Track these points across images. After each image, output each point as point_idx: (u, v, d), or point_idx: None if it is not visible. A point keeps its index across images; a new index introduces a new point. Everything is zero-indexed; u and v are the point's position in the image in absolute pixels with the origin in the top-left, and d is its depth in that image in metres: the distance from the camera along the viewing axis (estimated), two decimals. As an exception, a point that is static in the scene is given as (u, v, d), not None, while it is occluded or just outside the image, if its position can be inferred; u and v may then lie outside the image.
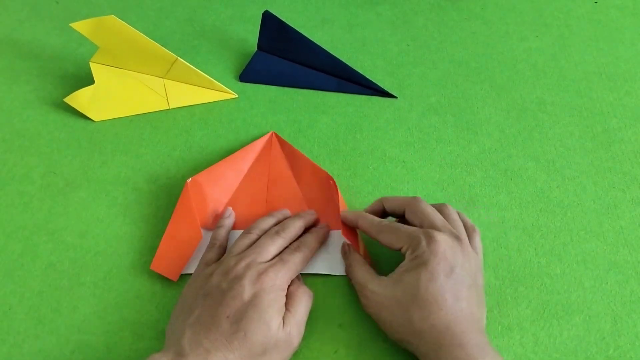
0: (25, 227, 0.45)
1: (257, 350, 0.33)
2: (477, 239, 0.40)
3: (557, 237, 0.44)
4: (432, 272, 0.35)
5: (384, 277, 0.37)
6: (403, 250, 0.37)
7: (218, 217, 0.45)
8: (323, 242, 0.43)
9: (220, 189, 0.46)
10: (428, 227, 0.38)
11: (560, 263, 0.43)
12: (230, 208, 0.45)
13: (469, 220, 0.41)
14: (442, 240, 0.36)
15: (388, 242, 0.38)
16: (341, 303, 0.41)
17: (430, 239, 0.36)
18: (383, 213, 0.43)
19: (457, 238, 0.37)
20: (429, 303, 0.34)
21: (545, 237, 0.44)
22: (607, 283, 0.42)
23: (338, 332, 0.39)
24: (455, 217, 0.40)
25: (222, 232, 0.43)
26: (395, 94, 0.55)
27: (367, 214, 0.41)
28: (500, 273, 0.42)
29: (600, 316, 0.40)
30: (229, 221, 0.44)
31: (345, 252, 0.41)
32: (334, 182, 0.45)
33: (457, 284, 0.35)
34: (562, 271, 0.42)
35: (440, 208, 0.40)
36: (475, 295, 0.36)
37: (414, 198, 0.40)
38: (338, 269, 0.42)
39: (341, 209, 0.43)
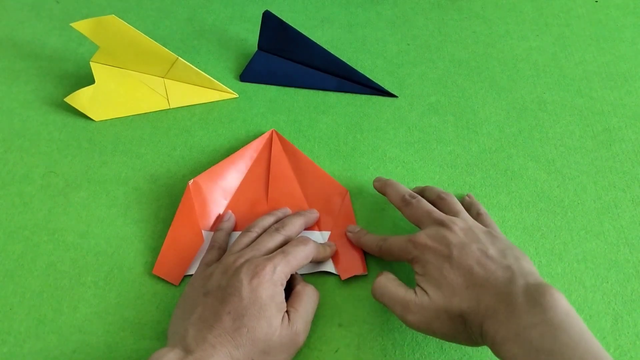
0: (26, 227, 0.45)
1: (261, 346, 0.34)
2: (485, 219, 0.41)
3: (558, 236, 0.44)
4: (437, 265, 0.35)
5: (415, 290, 0.36)
6: (406, 261, 0.38)
7: (219, 219, 0.45)
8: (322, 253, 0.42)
9: (221, 189, 0.46)
10: (420, 225, 0.39)
11: (561, 262, 0.43)
12: (230, 211, 0.45)
13: (476, 206, 0.43)
14: (424, 237, 0.37)
15: (391, 260, 0.41)
16: (341, 303, 0.41)
17: (414, 243, 0.37)
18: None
19: (439, 224, 0.38)
20: (453, 287, 0.34)
21: (546, 236, 0.44)
22: (607, 282, 0.42)
23: (338, 332, 0.39)
24: (452, 206, 0.41)
25: (221, 235, 0.43)
26: (395, 94, 0.55)
27: (367, 235, 0.42)
28: (501, 272, 0.42)
29: (601, 315, 0.40)
30: (228, 224, 0.44)
31: (379, 277, 0.39)
32: (348, 197, 0.46)
33: (467, 259, 0.34)
34: (563, 270, 0.42)
35: (441, 198, 0.42)
36: (502, 251, 0.35)
37: (405, 204, 0.41)
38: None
39: (351, 223, 0.44)
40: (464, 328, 0.34)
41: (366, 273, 0.42)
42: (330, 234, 0.44)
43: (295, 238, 0.40)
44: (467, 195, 0.45)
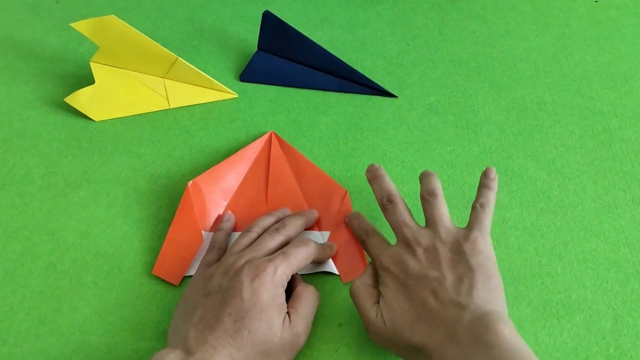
0: (26, 227, 0.45)
1: (262, 348, 0.34)
2: (476, 217, 0.38)
3: (558, 236, 0.44)
4: (394, 291, 0.35)
5: (378, 307, 0.36)
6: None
7: (219, 220, 0.45)
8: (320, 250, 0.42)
9: (220, 190, 0.46)
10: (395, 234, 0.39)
11: (561, 262, 0.43)
12: (230, 212, 0.45)
13: (482, 192, 0.39)
14: (388, 259, 0.37)
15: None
16: (341, 303, 0.41)
17: (380, 264, 0.38)
18: None
19: (405, 244, 0.37)
20: (405, 319, 0.34)
21: (546, 236, 0.44)
22: (607, 282, 0.42)
23: (338, 332, 0.39)
24: (432, 211, 0.38)
25: (221, 235, 0.43)
26: (395, 94, 0.55)
27: (358, 219, 0.42)
28: (501, 272, 0.42)
29: (601, 315, 0.40)
30: (228, 224, 0.44)
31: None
32: (348, 198, 0.45)
33: (421, 290, 0.34)
34: (563, 270, 0.42)
35: (425, 200, 0.39)
36: (460, 279, 0.34)
37: (383, 208, 0.40)
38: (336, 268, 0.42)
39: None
40: (418, 357, 0.34)
41: None
42: (330, 234, 0.44)
43: (295, 238, 0.40)
44: (485, 172, 0.40)
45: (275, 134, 0.50)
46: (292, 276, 0.39)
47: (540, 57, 0.59)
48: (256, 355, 0.33)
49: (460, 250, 0.36)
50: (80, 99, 0.52)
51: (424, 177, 0.41)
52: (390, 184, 0.41)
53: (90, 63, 0.52)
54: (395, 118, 0.53)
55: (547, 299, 0.41)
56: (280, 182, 0.47)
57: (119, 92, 0.52)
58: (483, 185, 0.40)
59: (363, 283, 0.38)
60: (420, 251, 0.36)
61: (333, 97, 0.55)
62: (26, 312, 0.40)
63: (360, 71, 0.56)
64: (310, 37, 0.56)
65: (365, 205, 0.46)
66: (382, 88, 0.55)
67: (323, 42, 0.58)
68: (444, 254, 0.36)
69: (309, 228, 0.44)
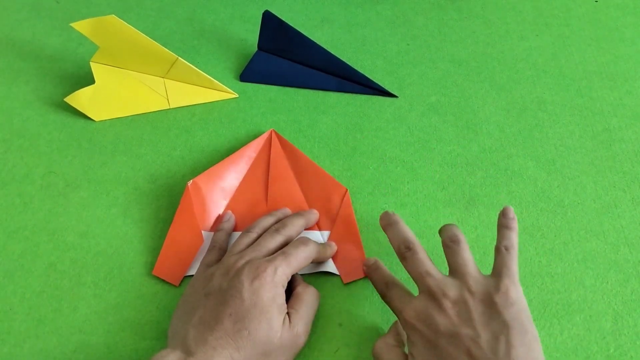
0: (26, 227, 0.45)
1: (262, 348, 0.34)
2: (502, 262, 0.35)
3: (558, 236, 0.44)
4: (423, 350, 0.33)
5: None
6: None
7: (219, 220, 0.45)
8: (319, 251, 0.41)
9: (220, 190, 0.46)
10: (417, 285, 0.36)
11: (561, 262, 0.43)
12: (230, 212, 0.45)
13: (505, 234, 0.37)
14: (412, 314, 0.34)
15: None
16: (341, 303, 0.41)
17: (404, 320, 0.35)
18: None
19: (430, 296, 0.34)
20: None
21: (546, 236, 0.44)
22: (607, 282, 0.42)
23: (338, 332, 0.39)
24: (457, 258, 0.36)
25: (221, 235, 0.43)
26: (395, 94, 0.55)
27: (378, 271, 0.39)
28: (501, 272, 0.42)
29: (601, 315, 0.40)
30: (228, 224, 0.44)
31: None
32: (348, 196, 0.45)
33: (454, 350, 0.32)
34: (563, 270, 0.42)
35: (447, 246, 0.37)
36: (496, 337, 0.32)
37: (401, 257, 0.37)
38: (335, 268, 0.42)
39: (352, 223, 0.44)
40: None
41: None
42: (330, 233, 0.44)
43: (295, 238, 0.40)
44: (503, 212, 0.38)
45: (276, 132, 0.50)
46: (293, 276, 0.39)
47: (540, 57, 0.59)
48: (256, 356, 0.33)
49: (492, 303, 0.33)
50: (80, 99, 0.52)
51: (444, 227, 0.39)
52: (406, 230, 0.38)
53: (90, 63, 0.52)
54: (395, 118, 0.53)
55: (547, 299, 0.41)
56: (280, 181, 0.47)
57: (119, 92, 0.53)
58: (503, 225, 0.37)
59: (386, 343, 0.36)
60: (448, 304, 0.33)
61: (333, 97, 0.55)
62: (26, 312, 0.40)
63: (360, 71, 0.56)
64: (310, 37, 0.56)
65: (365, 205, 0.46)
66: (382, 88, 0.55)
67: (323, 42, 0.58)
68: (475, 307, 0.33)
69: (309, 228, 0.44)
